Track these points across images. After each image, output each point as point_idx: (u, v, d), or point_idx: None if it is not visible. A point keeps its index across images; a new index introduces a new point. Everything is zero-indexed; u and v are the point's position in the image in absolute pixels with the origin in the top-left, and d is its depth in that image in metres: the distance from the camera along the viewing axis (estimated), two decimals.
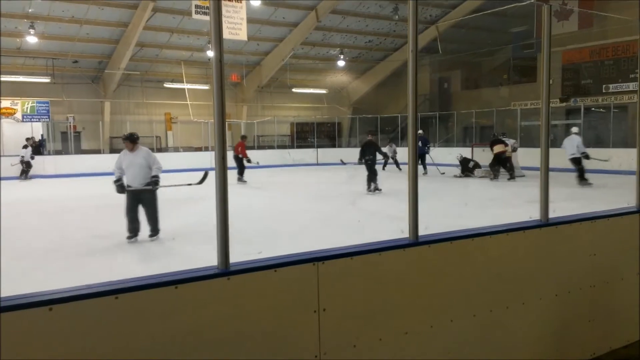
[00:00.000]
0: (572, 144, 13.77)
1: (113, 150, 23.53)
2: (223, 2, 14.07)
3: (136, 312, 2.11)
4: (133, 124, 23.58)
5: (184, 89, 24.47)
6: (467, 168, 17.68)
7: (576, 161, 13.80)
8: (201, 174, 8.59)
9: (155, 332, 2.14)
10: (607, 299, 3.77)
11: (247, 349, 2.34)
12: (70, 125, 23.19)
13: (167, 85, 24.98)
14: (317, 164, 24.76)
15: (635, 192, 4.12)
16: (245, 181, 16.11)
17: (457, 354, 3.04)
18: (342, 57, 25.78)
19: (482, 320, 3.12)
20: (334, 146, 27.71)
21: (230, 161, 15.89)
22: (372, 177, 13.05)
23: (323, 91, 28.70)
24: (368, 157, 13.10)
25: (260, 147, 26.59)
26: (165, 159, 23.29)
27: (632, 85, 18.61)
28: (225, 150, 2.35)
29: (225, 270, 2.31)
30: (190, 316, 2.21)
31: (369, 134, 14.30)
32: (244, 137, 17.71)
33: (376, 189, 12.96)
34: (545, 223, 3.43)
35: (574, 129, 14.51)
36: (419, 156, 19.16)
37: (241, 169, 16.34)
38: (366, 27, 24.44)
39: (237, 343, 2.32)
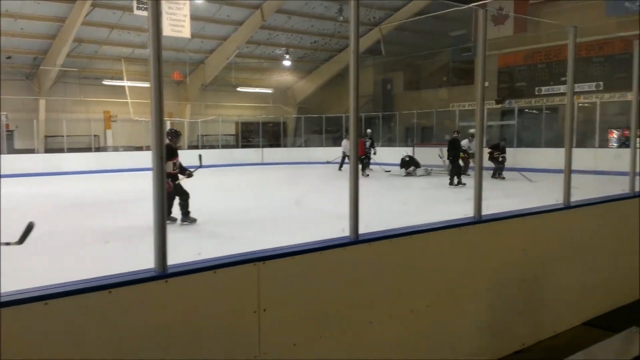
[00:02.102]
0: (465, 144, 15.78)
1: (48, 149, 22.54)
2: None
3: (66, 319, 2.03)
4: (70, 122, 22.65)
5: (124, 87, 23.72)
6: (409, 167, 18.06)
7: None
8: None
9: (86, 340, 2.07)
10: (536, 292, 3.97)
11: (186, 351, 2.32)
12: (2, 124, 22.02)
13: (106, 82, 24.15)
14: (263, 164, 24.67)
15: (564, 190, 4.35)
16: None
17: (396, 349, 3.12)
18: (287, 56, 25.74)
19: (419, 315, 3.22)
20: (279, 146, 27.65)
21: None
22: (455, 171, 14.25)
23: (268, 91, 28.56)
24: (451, 154, 14.47)
25: (204, 147, 26.16)
26: (104, 159, 22.69)
27: (562, 88, 19.54)
28: (163, 150, 2.32)
29: (163, 272, 2.28)
30: (126, 322, 2.16)
31: (454, 132, 15.66)
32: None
33: (460, 183, 13.94)
34: (478, 220, 3.58)
35: (471, 131, 16.51)
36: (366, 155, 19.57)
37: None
38: (311, 28, 24.52)
39: (176, 346, 2.29)
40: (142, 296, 2.21)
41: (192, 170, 8.98)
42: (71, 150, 22.29)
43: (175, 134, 8.99)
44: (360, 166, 16.99)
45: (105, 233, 8.01)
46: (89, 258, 6.63)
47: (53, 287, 2.06)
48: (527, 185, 13.96)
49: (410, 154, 19.09)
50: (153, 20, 2.25)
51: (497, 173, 16.11)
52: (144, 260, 2.46)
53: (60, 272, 5.90)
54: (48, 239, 7.11)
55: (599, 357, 2.68)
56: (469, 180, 15.93)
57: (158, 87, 2.27)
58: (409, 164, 18.24)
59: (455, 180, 14.06)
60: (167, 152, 8.38)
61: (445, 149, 15.97)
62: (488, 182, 13.02)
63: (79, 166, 20.46)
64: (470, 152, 15.77)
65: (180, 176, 8.75)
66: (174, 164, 8.60)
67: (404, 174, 18.00)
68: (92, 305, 2.08)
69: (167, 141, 8.63)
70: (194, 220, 8.70)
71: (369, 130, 20.96)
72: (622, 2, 18.60)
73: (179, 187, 8.65)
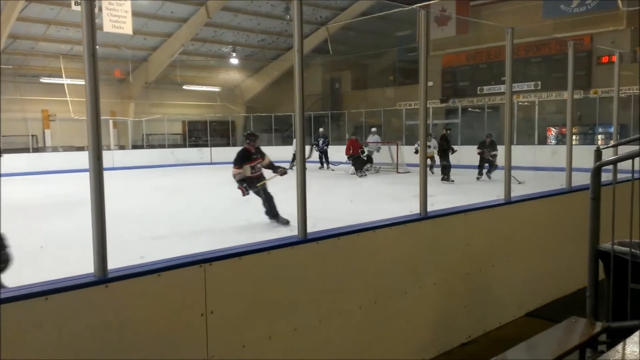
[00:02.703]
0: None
1: None
2: None
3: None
4: (5, 122, 21.53)
5: (63, 85, 22.80)
6: (365, 164, 18.05)
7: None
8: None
9: (21, 350, 1.97)
10: (480, 284, 4.08)
11: (131, 357, 2.24)
12: None
13: (43, 80, 23.13)
14: (211, 163, 24.30)
15: (505, 186, 4.49)
16: None
17: (345, 346, 3.14)
18: (234, 55, 25.45)
19: (368, 311, 3.25)
20: (228, 145, 27.32)
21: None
22: (447, 166, 14.56)
23: (216, 89, 28.13)
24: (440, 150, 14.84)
25: (149, 146, 25.50)
26: (42, 160, 21.75)
27: (503, 87, 20.16)
28: (101, 150, 2.23)
29: (103, 277, 2.19)
30: (64, 329, 2.07)
31: (445, 129, 15.94)
32: None
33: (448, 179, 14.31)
34: (424, 216, 3.64)
35: (374, 129, 18.57)
36: (322, 153, 19.57)
37: None
38: (258, 26, 24.33)
39: (118, 353, 2.21)
40: (81, 302, 2.12)
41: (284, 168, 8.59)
42: (7, 151, 21.21)
43: (252, 137, 8.57)
44: (353, 167, 17.25)
45: (42, 237, 7.66)
46: (24, 264, 6.32)
47: None
48: (472, 182, 14.37)
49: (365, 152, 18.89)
50: (87, 15, 2.15)
51: (486, 172, 14.67)
52: (84, 264, 2.36)
53: None
54: None
55: (541, 347, 2.77)
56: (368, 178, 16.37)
57: (93, 84, 2.18)
58: (365, 162, 18.10)
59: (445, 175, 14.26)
60: (243, 156, 8.26)
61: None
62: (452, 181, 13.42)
63: (16, 168, 19.51)
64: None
65: (269, 175, 8.40)
66: (252, 168, 8.29)
67: (361, 174, 17.67)
68: (27, 313, 1.98)
69: (245, 145, 8.39)
70: (286, 222, 8.06)
71: (321, 129, 21.05)
72: (558, 4, 19.45)
73: (264, 189, 8.31)
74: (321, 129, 21.09)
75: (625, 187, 3.11)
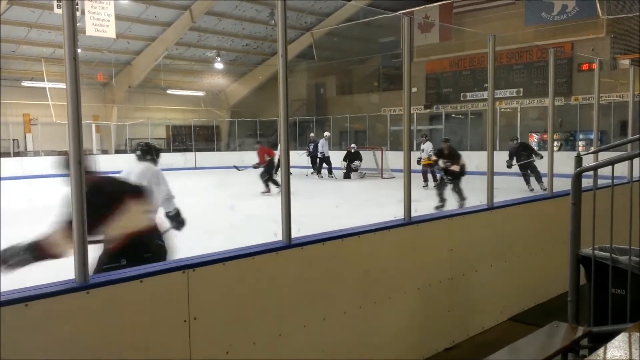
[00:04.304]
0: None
1: None
2: None
3: None
4: None
5: (44, 88, 22.50)
6: (353, 160, 18.05)
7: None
8: None
9: (1, 357, 1.93)
10: (463, 289, 4.11)
11: None
12: None
13: (25, 84, 22.82)
14: (196, 168, 24.16)
15: (487, 191, 4.53)
16: None
17: (330, 351, 3.13)
18: (219, 59, 25.38)
19: (352, 316, 3.25)
20: (212, 150, 27.18)
21: None
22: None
23: (200, 93, 28.00)
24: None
25: (133, 151, 25.25)
26: (24, 164, 21.41)
27: (486, 94, 20.39)
28: (82, 155, 2.20)
29: (84, 283, 2.16)
30: (44, 336, 2.03)
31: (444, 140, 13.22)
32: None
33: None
34: (408, 222, 3.66)
35: (326, 134, 18.88)
36: (323, 160, 19.14)
37: None
38: (243, 31, 24.29)
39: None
40: (61, 309, 2.09)
41: None
42: None
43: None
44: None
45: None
46: (3, 270, 6.21)
47: None
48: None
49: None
50: (68, 17, 2.13)
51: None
52: (65, 270, 2.32)
53: None
54: None
55: (524, 351, 2.80)
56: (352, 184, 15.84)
57: (75, 87, 2.15)
58: (353, 158, 17.96)
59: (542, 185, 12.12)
60: None
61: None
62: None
63: None
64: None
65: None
66: None
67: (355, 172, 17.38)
68: (7, 320, 1.94)
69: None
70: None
71: (312, 134, 21.07)
72: (539, 12, 19.75)
73: None
74: (312, 134, 21.11)
75: (605, 193, 3.16)
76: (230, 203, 11.69)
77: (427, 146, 14.88)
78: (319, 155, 19.01)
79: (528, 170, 12.84)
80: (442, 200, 10.32)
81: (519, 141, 13.83)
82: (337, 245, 3.21)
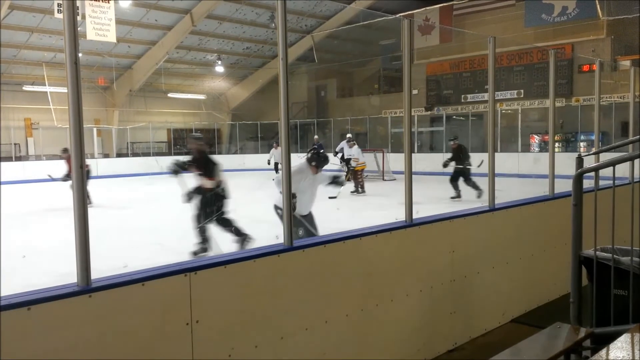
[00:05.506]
0: None
1: None
2: (88, 1, 13.23)
3: None
4: None
5: (46, 93, 22.56)
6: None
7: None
8: None
9: None
10: (465, 291, 4.10)
11: None
12: None
13: (26, 88, 22.89)
14: None
15: (489, 193, 4.53)
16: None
17: (332, 354, 3.12)
18: (219, 62, 25.42)
19: (355, 319, 3.24)
20: (213, 153, 27.19)
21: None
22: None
23: (201, 97, 28.05)
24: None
25: (134, 155, 25.30)
26: (26, 168, 21.45)
27: (486, 96, 20.42)
28: (84, 159, 2.20)
29: (87, 287, 2.16)
30: (47, 341, 2.03)
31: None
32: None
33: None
34: (409, 224, 3.65)
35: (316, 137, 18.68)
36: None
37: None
38: (243, 34, 24.34)
39: None
40: (64, 312, 2.09)
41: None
42: None
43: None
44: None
45: (24, 246, 7.54)
46: (6, 274, 6.22)
47: None
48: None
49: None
50: (69, 21, 2.14)
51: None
52: (67, 274, 2.33)
53: None
54: None
55: (526, 353, 2.79)
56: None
57: (76, 92, 2.16)
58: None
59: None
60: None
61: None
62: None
63: None
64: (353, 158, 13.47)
65: None
66: None
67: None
68: (9, 324, 1.94)
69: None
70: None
71: (316, 137, 21.10)
72: (540, 14, 19.76)
73: None
74: (316, 137, 21.15)
75: (606, 194, 3.16)
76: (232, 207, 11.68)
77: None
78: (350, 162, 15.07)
79: (461, 178, 11.67)
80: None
81: (457, 143, 12.51)
82: (338, 248, 3.21)
